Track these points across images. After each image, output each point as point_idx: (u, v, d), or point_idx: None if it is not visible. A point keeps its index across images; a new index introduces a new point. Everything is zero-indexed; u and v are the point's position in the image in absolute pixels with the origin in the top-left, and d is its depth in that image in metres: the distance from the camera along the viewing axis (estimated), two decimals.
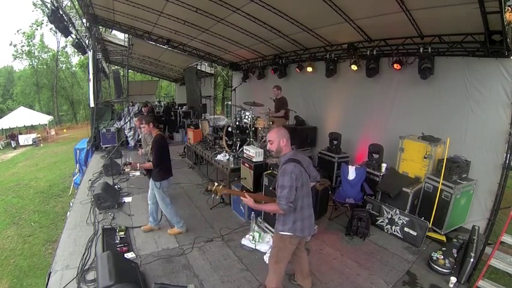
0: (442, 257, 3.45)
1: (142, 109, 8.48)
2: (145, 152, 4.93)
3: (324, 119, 7.27)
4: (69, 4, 7.99)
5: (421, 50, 4.69)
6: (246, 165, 4.78)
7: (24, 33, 27.73)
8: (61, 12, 6.43)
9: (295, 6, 5.40)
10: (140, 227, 4.35)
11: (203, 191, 5.82)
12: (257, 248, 3.81)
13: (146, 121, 4.01)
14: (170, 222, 4.23)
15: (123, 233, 4.08)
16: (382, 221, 4.36)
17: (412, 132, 4.86)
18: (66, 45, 29.56)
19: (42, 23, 26.95)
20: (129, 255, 3.63)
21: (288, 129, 7.37)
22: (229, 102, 13.78)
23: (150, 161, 3.87)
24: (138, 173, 6.92)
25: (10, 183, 12.29)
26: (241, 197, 2.56)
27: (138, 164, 3.89)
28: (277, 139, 2.50)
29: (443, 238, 4.09)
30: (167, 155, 4.00)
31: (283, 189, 2.34)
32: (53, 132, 22.69)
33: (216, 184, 2.58)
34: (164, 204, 4.01)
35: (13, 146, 19.49)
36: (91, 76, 9.19)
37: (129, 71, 16.67)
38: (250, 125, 5.46)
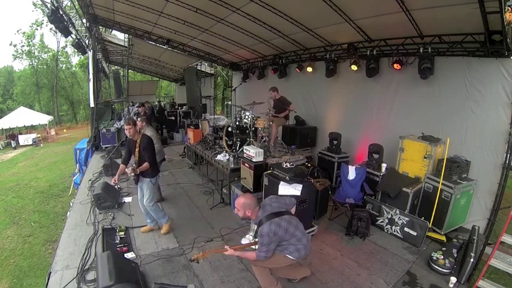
0: (442, 257, 3.45)
1: (138, 109, 8.44)
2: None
3: (324, 119, 7.27)
4: (69, 4, 8.00)
5: (421, 50, 4.68)
6: (246, 165, 4.78)
7: (24, 33, 27.72)
8: (61, 12, 6.43)
9: (295, 6, 5.40)
10: (141, 227, 4.35)
11: (203, 192, 5.82)
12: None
13: (133, 122, 3.93)
14: (157, 219, 4.21)
15: (123, 233, 4.08)
16: (382, 221, 4.36)
17: (412, 132, 4.86)
18: (66, 45, 29.60)
19: (42, 23, 26.94)
20: (129, 255, 3.63)
21: (288, 129, 7.38)
22: (229, 102, 13.80)
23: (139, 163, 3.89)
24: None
25: (10, 183, 12.28)
26: (224, 252, 2.70)
27: (137, 169, 3.82)
28: (242, 210, 2.66)
29: (443, 238, 4.09)
30: (155, 151, 4.16)
31: (262, 245, 2.55)
32: (53, 132, 22.67)
33: (198, 253, 2.64)
34: (151, 201, 4.02)
35: (13, 146, 19.49)
36: (91, 76, 9.19)
37: (129, 71, 16.66)
38: (250, 125, 5.46)
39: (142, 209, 4.20)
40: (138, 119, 5.11)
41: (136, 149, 3.88)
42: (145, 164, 3.82)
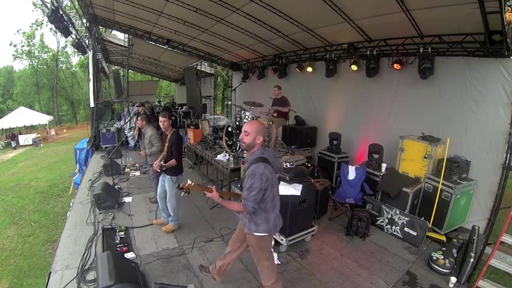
0: (442, 257, 3.46)
1: (138, 109, 8.44)
2: (149, 153, 4.94)
3: (324, 119, 7.27)
4: (69, 4, 8.00)
5: (421, 50, 4.69)
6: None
7: (24, 33, 27.72)
8: (61, 12, 6.42)
9: (295, 6, 5.40)
10: (141, 227, 4.36)
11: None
12: None
13: (168, 116, 4.09)
14: (172, 217, 4.27)
15: (123, 233, 4.08)
16: (382, 221, 4.36)
17: (412, 132, 4.86)
18: (66, 45, 29.60)
19: (42, 23, 26.94)
20: (129, 255, 3.63)
21: (288, 129, 7.38)
22: (229, 102, 13.79)
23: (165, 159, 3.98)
24: (138, 173, 6.93)
25: (10, 183, 12.28)
26: (207, 192, 2.40)
27: (164, 165, 3.92)
28: (255, 134, 2.35)
29: (443, 238, 4.10)
30: (182, 150, 4.21)
31: (251, 191, 2.24)
32: (53, 132, 22.66)
33: (188, 182, 2.46)
34: (175, 199, 4.12)
35: (13, 146, 19.49)
36: (91, 76, 9.19)
37: (129, 71, 16.67)
38: None
39: (159, 204, 4.33)
40: (139, 118, 5.14)
41: (166, 144, 4.04)
42: (173, 161, 3.94)
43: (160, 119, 4.02)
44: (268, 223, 2.43)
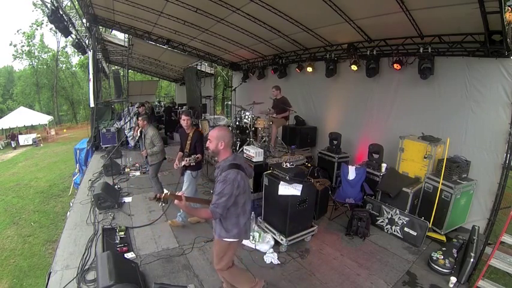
0: (442, 257, 3.46)
1: (138, 109, 8.45)
2: (150, 153, 4.94)
3: (324, 119, 7.27)
4: (69, 4, 7.99)
5: (421, 50, 4.69)
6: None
7: (24, 33, 27.74)
8: (61, 12, 6.42)
9: (295, 6, 5.40)
10: (141, 227, 4.36)
11: (203, 191, 5.82)
12: (257, 248, 3.80)
13: (190, 115, 4.30)
14: (181, 212, 4.32)
15: (123, 233, 4.08)
16: (382, 221, 4.36)
17: (412, 132, 4.86)
18: (66, 45, 29.62)
19: (42, 23, 26.96)
20: (129, 255, 3.63)
21: (288, 129, 7.37)
22: (229, 102, 13.79)
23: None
24: (138, 173, 6.92)
25: (10, 183, 12.28)
26: (176, 200, 2.33)
27: (194, 157, 4.03)
28: (216, 140, 2.37)
29: (443, 238, 4.09)
30: None
31: (221, 196, 2.24)
32: (53, 132, 22.67)
33: (165, 192, 2.37)
34: (192, 194, 4.22)
35: (13, 146, 19.48)
36: (91, 76, 9.19)
37: (129, 71, 16.67)
38: (250, 125, 5.46)
39: None
40: (140, 118, 5.14)
41: (188, 142, 4.17)
42: (200, 156, 4.09)
43: (183, 117, 4.23)
44: (238, 228, 2.44)
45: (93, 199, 4.93)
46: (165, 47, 10.47)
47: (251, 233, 3.92)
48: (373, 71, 5.61)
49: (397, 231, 4.16)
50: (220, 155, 2.42)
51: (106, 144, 8.47)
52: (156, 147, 4.95)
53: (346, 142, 6.09)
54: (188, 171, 4.20)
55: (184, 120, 4.23)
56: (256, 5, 5.47)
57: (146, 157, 5.22)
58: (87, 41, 9.46)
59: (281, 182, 3.82)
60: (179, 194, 2.38)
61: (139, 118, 5.17)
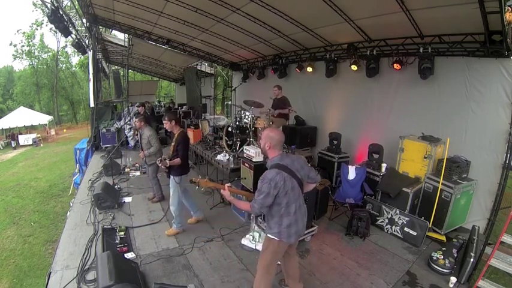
0: (442, 257, 3.45)
1: (138, 109, 8.44)
2: (148, 154, 4.94)
3: (324, 119, 7.27)
4: (69, 4, 7.98)
5: (421, 50, 4.68)
6: (246, 165, 4.77)
7: (24, 33, 27.74)
8: (61, 12, 6.42)
9: (295, 6, 5.39)
10: (141, 226, 4.36)
11: (203, 191, 5.82)
12: (257, 248, 3.80)
13: (169, 118, 4.07)
14: (174, 220, 4.21)
15: (123, 233, 4.08)
16: (382, 221, 4.36)
17: (412, 132, 4.86)
18: (66, 45, 29.61)
19: (42, 23, 26.96)
20: (129, 255, 3.63)
21: (288, 129, 7.37)
22: (229, 102, 13.79)
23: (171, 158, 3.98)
24: (138, 173, 6.93)
25: (10, 183, 12.28)
26: (220, 189, 2.58)
27: (167, 161, 3.91)
28: (263, 140, 2.51)
29: (443, 238, 4.09)
30: (188, 150, 4.19)
31: (259, 194, 2.35)
32: (53, 132, 22.67)
33: (200, 177, 2.64)
34: (176, 201, 4.08)
35: (13, 146, 19.48)
36: (91, 76, 9.19)
37: (129, 71, 16.67)
38: (250, 125, 5.46)
39: (185, 203, 4.27)
40: (136, 119, 5.14)
41: (173, 144, 4.05)
42: (177, 160, 3.93)
43: (164, 122, 4.10)
44: (279, 228, 2.47)
45: (93, 199, 4.93)
46: (165, 47, 10.46)
47: (251, 233, 3.94)
48: (373, 71, 5.61)
49: (397, 231, 4.16)
50: (268, 154, 2.54)
51: (106, 144, 8.47)
52: (152, 147, 4.95)
53: (346, 142, 6.09)
54: (171, 176, 4.04)
55: (165, 125, 4.10)
56: (256, 5, 5.46)
57: (145, 158, 5.22)
58: (87, 41, 9.46)
59: None
60: (225, 185, 2.61)
61: (136, 119, 5.17)
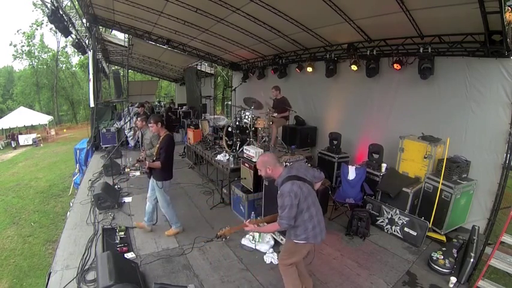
0: (442, 257, 3.46)
1: (138, 109, 8.46)
2: (149, 154, 4.94)
3: (324, 119, 7.27)
4: (69, 4, 7.98)
5: (421, 50, 4.68)
6: (246, 165, 4.77)
7: (24, 33, 27.70)
8: (61, 12, 6.42)
9: (295, 6, 5.40)
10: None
11: (203, 191, 5.83)
12: (257, 248, 3.81)
13: (154, 120, 3.94)
14: (170, 222, 4.22)
15: (123, 233, 4.08)
16: (382, 221, 4.36)
17: (412, 132, 4.86)
18: (66, 45, 29.54)
19: (42, 23, 26.92)
20: (129, 255, 3.63)
21: (288, 129, 7.37)
22: (229, 102, 13.78)
23: (153, 160, 3.90)
24: (138, 173, 6.92)
25: (10, 183, 12.28)
26: (245, 228, 2.69)
27: (147, 162, 3.87)
28: (263, 168, 2.60)
29: (443, 238, 4.10)
30: (172, 155, 4.04)
31: (283, 209, 2.41)
32: (53, 132, 22.66)
33: (222, 229, 2.67)
34: (165, 204, 4.03)
35: (13, 146, 19.47)
36: (91, 76, 9.19)
37: (129, 71, 16.66)
38: (250, 125, 5.46)
39: (146, 206, 4.20)
40: (138, 118, 5.13)
41: (157, 146, 3.96)
42: (157, 163, 3.84)
43: (149, 125, 4.02)
44: (306, 233, 2.53)
45: (93, 199, 4.93)
46: (165, 47, 10.47)
47: (251, 233, 3.94)
48: (373, 71, 5.61)
49: (397, 231, 4.16)
50: (274, 175, 2.61)
51: (106, 144, 8.47)
52: (154, 148, 4.94)
53: (346, 142, 6.09)
54: (155, 181, 3.94)
55: (151, 127, 4.02)
56: (256, 5, 5.46)
57: (145, 158, 5.21)
58: (87, 41, 9.46)
59: None
60: (246, 222, 2.69)
61: (138, 119, 5.15)
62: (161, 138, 3.94)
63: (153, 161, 3.90)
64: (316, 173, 2.78)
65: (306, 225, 2.51)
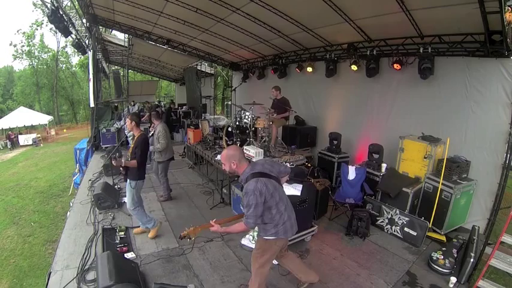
0: (442, 257, 3.45)
1: (143, 111, 8.49)
2: (152, 149, 4.94)
3: (324, 119, 7.27)
4: (69, 4, 7.98)
5: (421, 50, 4.68)
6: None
7: (24, 33, 27.76)
8: (61, 12, 6.42)
9: (295, 6, 5.40)
10: (138, 226, 4.35)
11: (203, 191, 5.83)
12: None
13: (130, 118, 3.92)
14: (143, 222, 4.08)
15: (123, 233, 4.08)
16: (382, 221, 4.36)
17: (412, 132, 4.86)
18: (66, 45, 29.63)
19: (42, 23, 26.99)
20: (129, 255, 3.63)
21: (288, 129, 7.37)
22: (229, 102, 13.78)
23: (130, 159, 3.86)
24: None
25: (10, 183, 12.29)
26: (210, 228, 2.57)
27: (123, 160, 3.79)
28: (228, 162, 2.48)
29: (443, 238, 4.09)
30: (147, 155, 4.02)
31: (249, 208, 2.33)
32: (53, 132, 22.69)
33: (186, 229, 2.58)
34: (132, 205, 3.89)
35: (9, 147, 19.26)
36: (91, 76, 9.19)
37: (129, 71, 16.66)
38: (250, 125, 5.46)
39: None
40: (151, 113, 5.20)
41: (131, 145, 3.91)
42: (133, 162, 3.77)
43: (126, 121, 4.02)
44: (276, 228, 2.49)
45: (93, 199, 4.93)
46: (165, 47, 10.46)
47: (251, 233, 3.94)
48: (373, 71, 5.60)
49: (397, 231, 4.16)
50: (239, 171, 2.50)
51: (106, 144, 8.47)
52: (159, 144, 4.95)
53: (346, 142, 6.09)
54: (128, 180, 3.86)
55: (126, 124, 4.07)
56: (256, 5, 5.46)
57: (121, 157, 5.16)
58: (87, 41, 9.45)
59: None
60: (211, 222, 2.57)
61: (150, 114, 5.20)
62: (136, 137, 3.89)
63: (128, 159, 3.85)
64: (282, 168, 2.72)
65: (275, 221, 2.47)
